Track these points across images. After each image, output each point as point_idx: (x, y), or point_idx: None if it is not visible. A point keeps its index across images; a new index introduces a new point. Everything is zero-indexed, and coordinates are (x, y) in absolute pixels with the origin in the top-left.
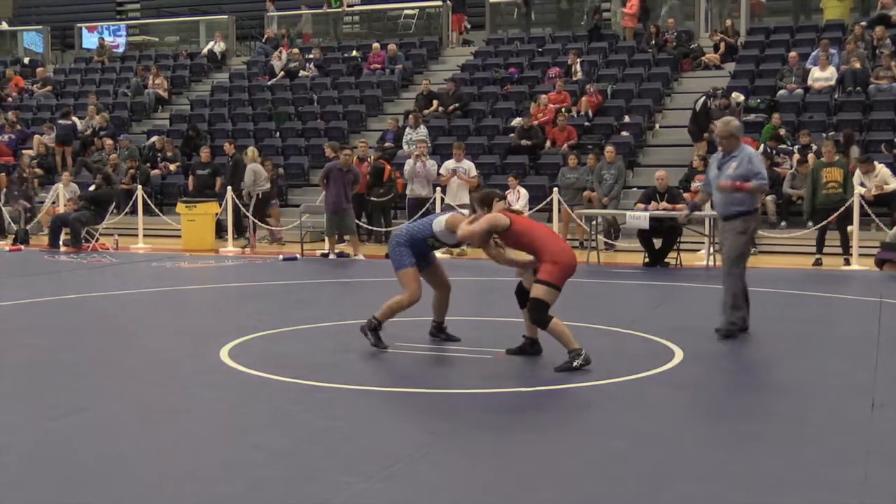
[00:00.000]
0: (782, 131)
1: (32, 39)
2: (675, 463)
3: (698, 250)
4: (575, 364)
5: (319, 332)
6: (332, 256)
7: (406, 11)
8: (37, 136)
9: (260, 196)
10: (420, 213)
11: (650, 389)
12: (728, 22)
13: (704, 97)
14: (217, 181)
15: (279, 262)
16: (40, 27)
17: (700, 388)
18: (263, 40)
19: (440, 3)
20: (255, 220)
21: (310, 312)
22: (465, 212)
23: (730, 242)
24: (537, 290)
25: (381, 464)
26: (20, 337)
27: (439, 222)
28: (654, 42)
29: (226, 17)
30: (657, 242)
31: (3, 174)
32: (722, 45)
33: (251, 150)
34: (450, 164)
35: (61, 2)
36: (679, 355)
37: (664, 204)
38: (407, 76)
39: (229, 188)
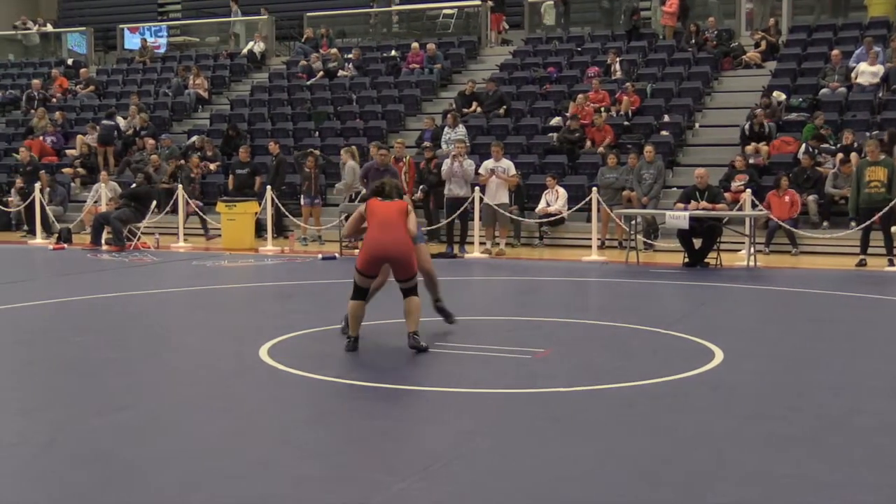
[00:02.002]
0: (824, 130)
1: (76, 41)
2: (715, 465)
3: (739, 250)
4: (347, 345)
5: None
6: None
7: (445, 11)
8: (79, 136)
9: (353, 196)
10: (457, 212)
11: (690, 390)
12: (771, 21)
13: (748, 122)
14: (256, 180)
15: (318, 262)
16: (84, 29)
17: (741, 389)
18: (303, 40)
19: (479, 2)
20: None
21: None
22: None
23: None
24: (355, 274)
25: (419, 463)
26: (64, 335)
27: None
28: (694, 41)
29: (265, 17)
30: (697, 242)
31: (45, 173)
32: (763, 43)
33: (353, 150)
34: (489, 163)
35: (104, 3)
36: (719, 356)
37: (704, 203)
38: (446, 76)
39: (269, 188)
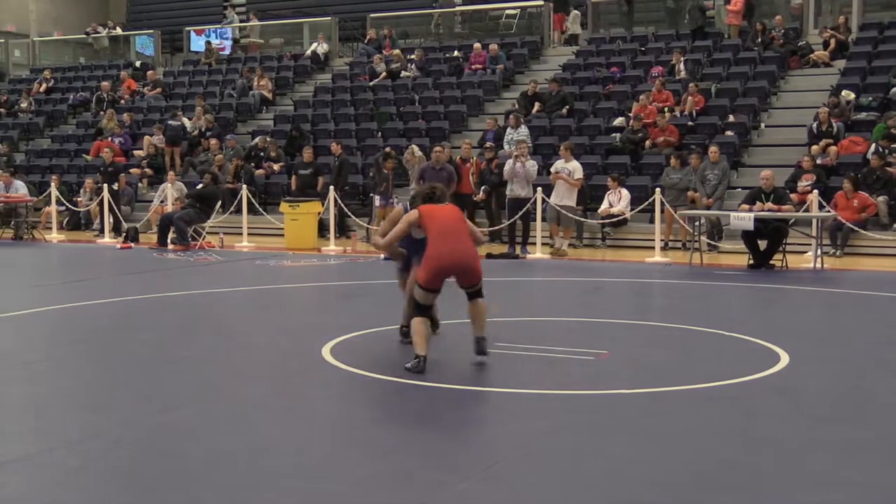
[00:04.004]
0: (895, 130)
1: (144, 43)
2: (780, 469)
3: (805, 252)
4: (408, 366)
5: None
6: None
7: (507, 11)
8: (147, 137)
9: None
10: (519, 213)
11: (755, 393)
12: (841, 18)
13: (815, 122)
14: (319, 181)
15: (380, 262)
16: (151, 31)
17: (807, 393)
18: (366, 41)
19: (542, 2)
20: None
21: None
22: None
23: None
24: (415, 289)
25: (481, 464)
26: (131, 333)
27: None
28: (760, 40)
29: (329, 18)
30: (762, 244)
31: (123, 174)
32: (832, 41)
33: (414, 150)
34: (559, 164)
35: (171, 6)
36: (785, 359)
37: (770, 204)
38: (508, 76)
39: (332, 188)
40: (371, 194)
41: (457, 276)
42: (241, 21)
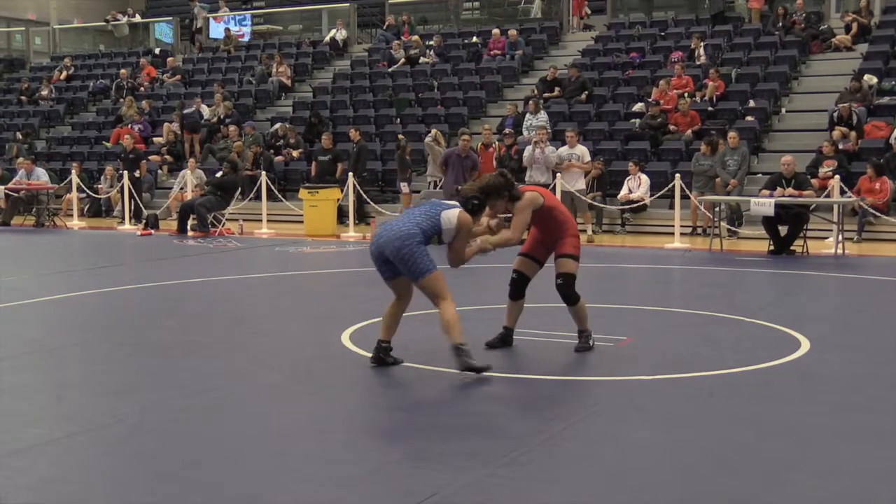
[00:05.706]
0: None
1: (163, 30)
2: (800, 456)
3: (826, 238)
4: (591, 343)
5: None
6: None
7: None
8: (166, 124)
9: (436, 184)
10: None
11: (775, 379)
12: (863, 2)
13: (836, 111)
14: (338, 167)
15: None
16: (170, 19)
17: (828, 380)
18: (384, 27)
19: None
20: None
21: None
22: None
23: None
24: (569, 265)
25: (499, 450)
26: (152, 319)
27: (449, 220)
28: (781, 24)
29: (347, 4)
30: (783, 230)
31: (144, 161)
32: (854, 25)
33: (439, 134)
34: (563, 150)
35: None
36: (806, 345)
37: (790, 190)
38: (527, 62)
39: (351, 174)
40: (398, 181)
41: None
42: (207, 14)
